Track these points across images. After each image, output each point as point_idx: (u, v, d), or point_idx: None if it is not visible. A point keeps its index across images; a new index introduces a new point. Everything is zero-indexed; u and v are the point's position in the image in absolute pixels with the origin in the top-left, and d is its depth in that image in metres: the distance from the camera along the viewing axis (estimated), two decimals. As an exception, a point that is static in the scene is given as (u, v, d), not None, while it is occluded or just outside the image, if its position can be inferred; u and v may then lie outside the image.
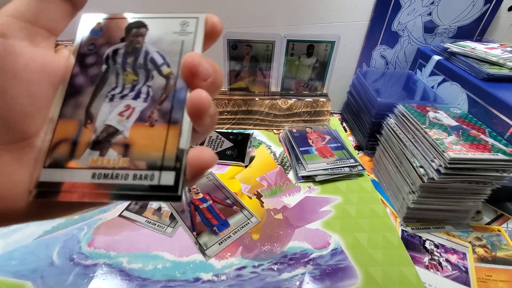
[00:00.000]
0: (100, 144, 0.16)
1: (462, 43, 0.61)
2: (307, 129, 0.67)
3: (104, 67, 0.18)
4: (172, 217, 0.47)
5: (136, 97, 0.17)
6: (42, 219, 0.16)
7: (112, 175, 0.15)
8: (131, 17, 0.18)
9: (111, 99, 0.17)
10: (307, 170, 0.55)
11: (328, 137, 0.63)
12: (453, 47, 0.59)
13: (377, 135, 0.58)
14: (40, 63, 0.16)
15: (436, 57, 0.62)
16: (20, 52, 0.15)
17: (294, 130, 0.66)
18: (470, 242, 0.45)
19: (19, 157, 0.16)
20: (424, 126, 0.45)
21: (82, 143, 0.16)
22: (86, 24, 0.18)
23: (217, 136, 0.65)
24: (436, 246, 0.44)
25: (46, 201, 0.16)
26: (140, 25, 0.18)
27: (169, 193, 0.15)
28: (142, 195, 0.15)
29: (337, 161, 0.56)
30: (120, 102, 0.17)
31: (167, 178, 0.15)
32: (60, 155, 0.16)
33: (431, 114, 0.49)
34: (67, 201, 0.16)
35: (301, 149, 0.59)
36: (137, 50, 0.18)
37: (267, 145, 0.64)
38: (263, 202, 0.50)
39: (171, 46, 0.18)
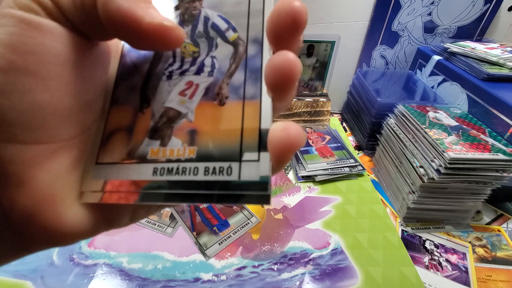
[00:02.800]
0: (160, 131, 0.13)
1: (462, 43, 0.61)
2: (307, 129, 0.67)
3: None
4: (172, 217, 0.47)
5: (199, 71, 0.14)
6: (102, 229, 0.14)
7: (178, 169, 0.12)
8: None
9: (169, 77, 0.14)
10: (307, 170, 0.55)
11: (328, 137, 0.63)
12: (453, 47, 0.59)
13: (377, 135, 0.58)
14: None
15: (436, 57, 0.62)
16: (51, 34, 0.12)
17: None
18: (470, 242, 0.45)
19: (73, 155, 0.13)
20: (424, 126, 0.45)
21: (139, 132, 0.13)
22: None
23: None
24: (436, 246, 0.44)
25: (100, 206, 0.13)
26: None
27: (254, 192, 0.11)
28: (218, 194, 0.11)
29: (337, 161, 0.56)
30: (180, 79, 0.14)
31: (250, 172, 0.11)
32: (114, 148, 0.13)
33: (431, 114, 0.49)
34: (120, 204, 0.13)
35: (301, 149, 0.59)
36: (194, 17, 0.15)
37: (267, 145, 0.64)
38: (263, 202, 0.50)
39: (236, 7, 0.14)
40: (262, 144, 0.11)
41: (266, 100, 0.12)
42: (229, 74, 0.13)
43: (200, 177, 0.12)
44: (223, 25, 0.14)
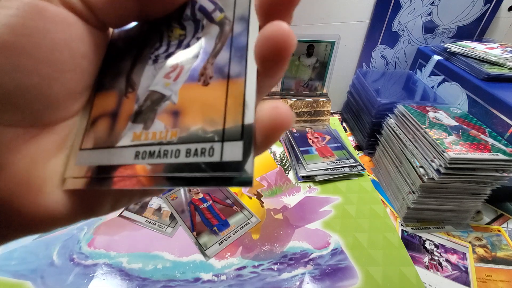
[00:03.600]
0: (143, 115, 0.13)
1: (462, 43, 0.61)
2: (307, 129, 0.67)
3: (145, 26, 0.15)
4: (172, 217, 0.47)
5: (185, 53, 0.14)
6: (82, 217, 0.14)
7: (160, 152, 0.12)
8: None
9: (155, 61, 0.14)
10: (307, 170, 0.55)
11: (328, 137, 0.63)
12: (453, 47, 0.59)
13: (377, 135, 0.58)
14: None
15: (436, 57, 0.62)
16: (70, 27, 0.12)
17: (294, 130, 0.66)
18: (470, 242, 0.45)
19: (55, 141, 0.13)
20: (424, 126, 0.45)
21: (123, 116, 0.13)
22: None
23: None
24: (436, 246, 0.44)
25: (81, 193, 0.13)
26: None
27: (235, 173, 0.10)
28: (200, 177, 0.11)
29: (337, 161, 0.56)
30: (165, 62, 0.14)
31: (232, 152, 0.11)
32: (97, 134, 0.13)
33: (431, 114, 0.49)
34: (104, 190, 0.12)
35: (301, 149, 0.59)
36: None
37: (267, 145, 0.64)
38: (263, 202, 0.50)
39: None
40: (245, 124, 0.11)
41: (251, 78, 0.12)
42: (214, 54, 0.13)
43: (182, 159, 0.11)
44: (210, 7, 0.14)
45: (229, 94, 0.12)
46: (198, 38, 0.14)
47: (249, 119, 0.11)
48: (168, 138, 0.12)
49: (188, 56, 0.13)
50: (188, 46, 0.14)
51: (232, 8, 0.13)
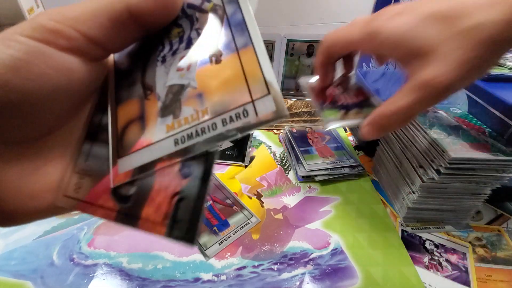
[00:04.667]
0: (169, 107, 0.14)
1: (462, 43, 0.61)
2: (307, 129, 0.67)
3: (144, 37, 0.15)
4: (172, 217, 0.47)
5: (189, 45, 0.14)
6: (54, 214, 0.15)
7: (197, 131, 0.13)
8: None
9: (163, 61, 0.15)
10: (307, 170, 0.55)
11: (328, 137, 0.63)
12: (453, 47, 0.58)
13: (377, 135, 0.58)
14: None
15: (436, 57, 0.62)
16: (73, 71, 0.13)
17: (294, 130, 0.66)
18: (470, 242, 0.45)
19: (40, 154, 0.14)
20: (424, 126, 0.45)
21: (151, 116, 0.14)
22: None
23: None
24: (436, 246, 0.44)
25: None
26: None
27: (274, 119, 0.12)
28: (244, 127, 0.12)
29: (337, 161, 0.56)
30: (174, 58, 0.14)
31: (265, 106, 0.12)
32: (131, 139, 0.14)
33: (431, 114, 0.49)
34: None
35: (301, 149, 0.59)
36: None
37: (267, 145, 0.64)
38: (263, 202, 0.50)
39: None
40: (266, 78, 0.12)
41: (259, 43, 0.13)
42: (217, 36, 0.14)
43: (220, 129, 0.12)
44: (197, 1, 0.15)
45: (243, 62, 0.13)
46: (196, 29, 0.14)
47: (269, 75, 0.12)
48: (201, 117, 0.13)
49: (193, 46, 0.14)
50: (189, 39, 0.14)
51: None
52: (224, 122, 0.12)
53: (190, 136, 0.13)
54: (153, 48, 0.15)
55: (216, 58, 0.13)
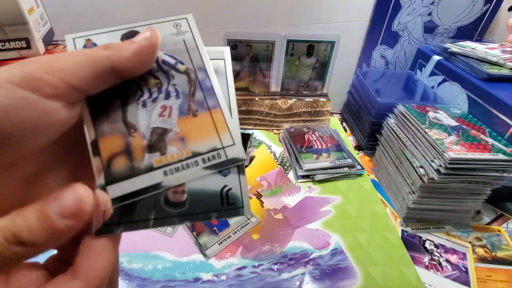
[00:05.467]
0: (156, 145, 0.17)
1: (462, 43, 0.61)
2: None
3: None
4: (172, 217, 0.47)
5: (168, 96, 0.18)
6: None
7: (183, 166, 0.17)
8: (120, 29, 0.18)
9: (144, 105, 0.18)
10: (305, 169, 0.55)
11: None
12: (453, 47, 0.59)
13: (377, 135, 0.58)
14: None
15: (436, 57, 0.62)
16: (53, 114, 0.14)
17: (293, 130, 0.66)
18: (470, 242, 0.45)
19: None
20: (424, 126, 0.45)
21: (137, 150, 0.17)
22: (75, 44, 0.18)
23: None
24: (436, 246, 0.44)
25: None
26: (136, 33, 0.18)
27: (238, 163, 0.17)
28: (218, 164, 0.17)
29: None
30: (155, 105, 0.18)
31: (231, 152, 0.17)
32: (119, 169, 0.16)
33: (431, 114, 0.49)
34: None
35: (299, 148, 0.59)
36: None
37: (267, 145, 0.64)
38: (263, 202, 0.50)
39: (176, 46, 0.18)
40: (232, 134, 0.18)
41: (224, 107, 0.18)
42: (191, 95, 0.18)
43: (201, 166, 0.17)
44: (171, 60, 0.18)
45: (214, 118, 0.18)
46: (173, 85, 0.18)
47: (234, 131, 0.18)
48: (185, 155, 0.17)
49: (171, 98, 0.18)
50: (168, 91, 0.18)
51: (189, 61, 0.18)
52: (203, 161, 0.17)
53: (177, 169, 0.17)
54: (131, 91, 0.18)
55: (193, 113, 0.18)
